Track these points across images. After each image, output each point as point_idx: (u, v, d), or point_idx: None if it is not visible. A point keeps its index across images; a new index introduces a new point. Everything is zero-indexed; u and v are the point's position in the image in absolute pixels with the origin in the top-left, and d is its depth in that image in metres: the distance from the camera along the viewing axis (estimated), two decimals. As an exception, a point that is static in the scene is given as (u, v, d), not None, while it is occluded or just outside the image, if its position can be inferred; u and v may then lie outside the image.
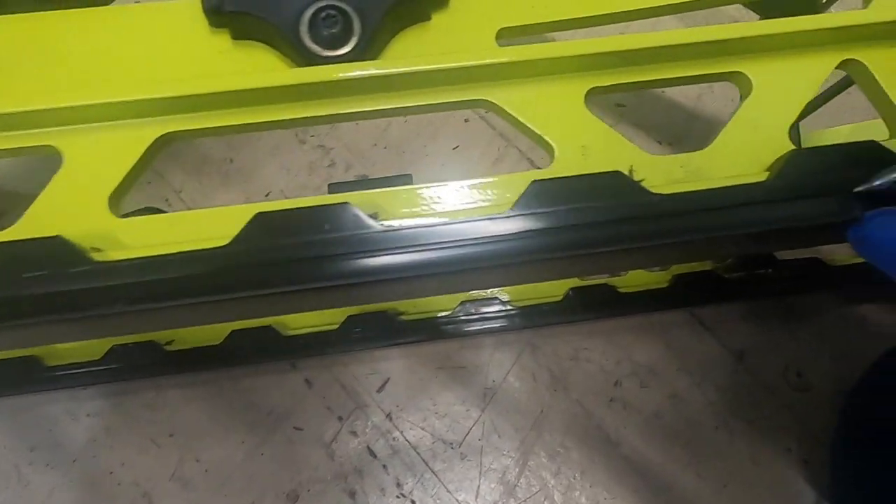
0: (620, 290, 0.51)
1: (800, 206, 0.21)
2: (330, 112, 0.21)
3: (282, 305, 0.22)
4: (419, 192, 0.21)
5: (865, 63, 0.23)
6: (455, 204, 0.21)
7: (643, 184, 0.21)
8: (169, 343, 0.48)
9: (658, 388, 0.52)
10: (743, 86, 0.23)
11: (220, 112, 0.21)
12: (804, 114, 0.41)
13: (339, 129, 0.60)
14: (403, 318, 0.49)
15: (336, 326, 0.48)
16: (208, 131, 0.21)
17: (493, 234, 0.19)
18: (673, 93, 0.63)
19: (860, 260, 0.53)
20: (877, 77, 0.23)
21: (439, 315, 0.49)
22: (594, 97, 0.23)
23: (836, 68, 0.24)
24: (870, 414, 0.44)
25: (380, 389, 0.51)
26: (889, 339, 0.49)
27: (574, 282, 0.51)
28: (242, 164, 0.59)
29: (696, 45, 0.23)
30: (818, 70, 0.23)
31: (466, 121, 0.61)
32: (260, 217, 0.19)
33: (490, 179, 0.22)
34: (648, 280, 0.51)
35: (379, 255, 0.19)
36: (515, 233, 0.19)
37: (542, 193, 0.20)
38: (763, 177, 0.21)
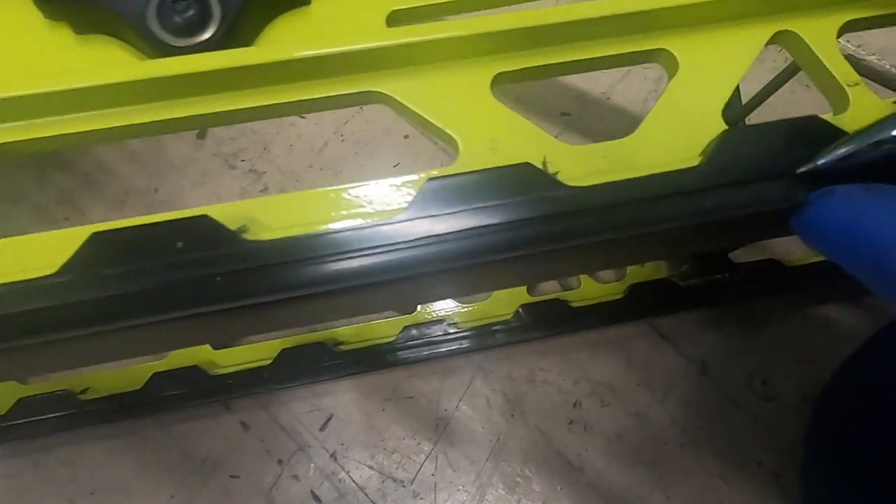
0: (573, 304, 0.48)
1: (735, 192, 0.18)
2: (191, 113, 0.18)
3: (134, 343, 0.19)
4: (299, 200, 0.18)
5: (800, 34, 0.21)
6: (340, 212, 0.18)
7: (558, 176, 0.18)
8: (84, 392, 0.43)
9: (619, 407, 0.49)
10: (669, 65, 0.21)
11: (59, 118, 0.18)
12: (755, 103, 0.39)
13: (272, 153, 0.57)
14: (343, 347, 0.46)
15: (269, 361, 0.45)
16: (45, 142, 0.18)
17: (376, 244, 0.16)
18: (619, 98, 0.61)
19: (818, 258, 0.51)
20: (813, 48, 0.21)
21: (382, 342, 0.46)
22: (501, 85, 0.20)
23: (769, 42, 0.21)
24: (838, 421, 0.42)
25: (322, 427, 0.48)
26: (853, 340, 0.47)
27: (524, 298, 0.48)
28: (168, 193, 0.55)
29: (616, 19, 0.20)
30: (751, 44, 0.21)
31: (406, 137, 0.58)
32: (96, 238, 0.16)
33: (386, 181, 0.18)
34: (602, 292, 0.49)
35: (242, 275, 0.16)
36: (403, 241, 0.16)
37: (439, 193, 0.17)
38: (695, 162, 0.19)
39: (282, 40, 0.19)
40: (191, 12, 0.18)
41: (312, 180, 0.56)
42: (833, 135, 0.18)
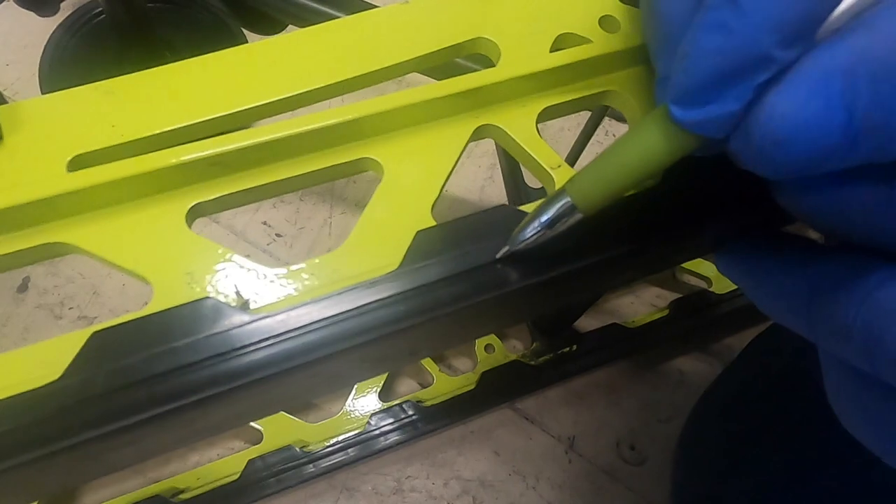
0: (427, 403, 0.47)
1: (434, 290, 0.18)
2: None
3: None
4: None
5: (501, 126, 0.22)
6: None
7: (248, 305, 0.17)
8: None
9: (492, 502, 0.47)
10: (377, 171, 0.21)
11: None
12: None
13: (102, 295, 0.54)
14: (184, 496, 0.42)
15: (100, 529, 0.40)
16: None
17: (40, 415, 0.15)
18: (456, 189, 0.62)
19: (659, 315, 0.52)
20: (515, 137, 0.22)
21: (227, 482, 0.43)
22: (200, 217, 0.20)
23: (474, 137, 0.22)
24: (695, 475, 0.42)
25: (174, 590, 0.43)
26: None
27: (375, 406, 0.46)
28: (-16, 357, 0.50)
29: (317, 133, 0.20)
30: (455, 141, 0.21)
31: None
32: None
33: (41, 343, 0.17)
34: (455, 385, 0.48)
35: None
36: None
37: (101, 351, 0.16)
38: (395, 266, 0.18)
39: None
40: None
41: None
42: (519, 218, 0.19)
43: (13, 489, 0.16)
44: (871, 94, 0.13)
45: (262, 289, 0.18)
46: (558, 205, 0.17)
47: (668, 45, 0.16)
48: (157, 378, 0.16)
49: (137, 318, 0.17)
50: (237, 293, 0.18)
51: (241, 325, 0.17)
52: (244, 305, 0.17)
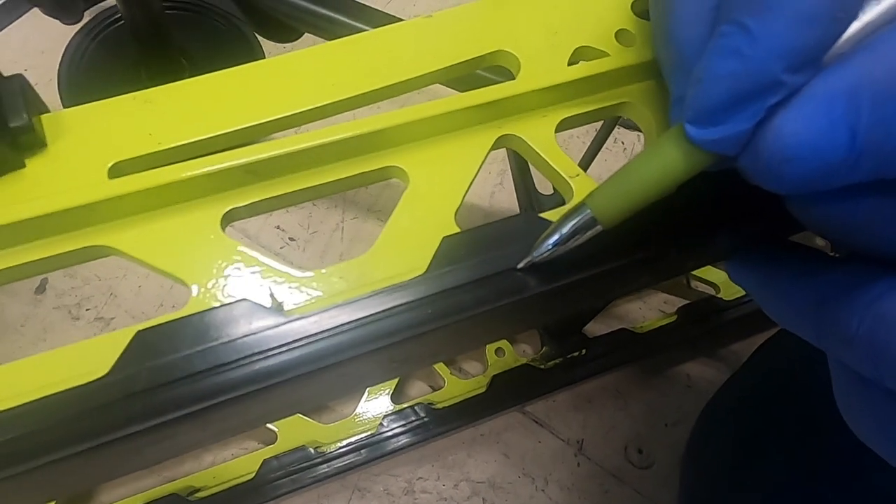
0: (438, 406, 0.47)
1: (456, 296, 0.18)
2: None
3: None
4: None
5: (521, 136, 0.23)
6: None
7: (283, 307, 0.18)
8: None
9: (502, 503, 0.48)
10: (402, 179, 0.22)
11: None
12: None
13: (119, 297, 0.55)
14: (200, 495, 0.43)
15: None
16: None
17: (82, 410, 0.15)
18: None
19: (667, 320, 0.53)
20: (535, 147, 0.22)
21: (243, 481, 0.43)
22: (236, 221, 0.21)
23: (495, 147, 0.23)
24: (703, 478, 0.42)
25: (189, 587, 0.43)
26: (714, 392, 0.49)
27: (388, 408, 0.47)
28: (3, 357, 0.51)
29: (345, 143, 0.21)
30: (476, 150, 0.22)
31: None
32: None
33: (87, 341, 0.18)
34: (466, 388, 0.48)
35: None
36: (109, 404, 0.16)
37: (144, 349, 0.17)
38: (421, 271, 0.19)
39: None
40: None
41: (164, 319, 0.54)
42: (542, 228, 0.19)
43: (60, 481, 0.17)
44: (873, 115, 0.14)
45: (294, 292, 0.19)
46: (579, 217, 0.18)
47: (683, 67, 0.17)
48: (197, 376, 0.17)
49: (178, 319, 0.18)
50: (271, 295, 0.18)
51: (275, 326, 0.18)
52: (278, 307, 0.18)
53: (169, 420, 0.17)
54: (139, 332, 0.17)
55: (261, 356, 0.17)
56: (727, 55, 0.15)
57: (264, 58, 0.24)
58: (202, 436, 0.19)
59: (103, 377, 0.16)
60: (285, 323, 0.18)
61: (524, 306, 0.20)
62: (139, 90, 0.22)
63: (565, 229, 0.18)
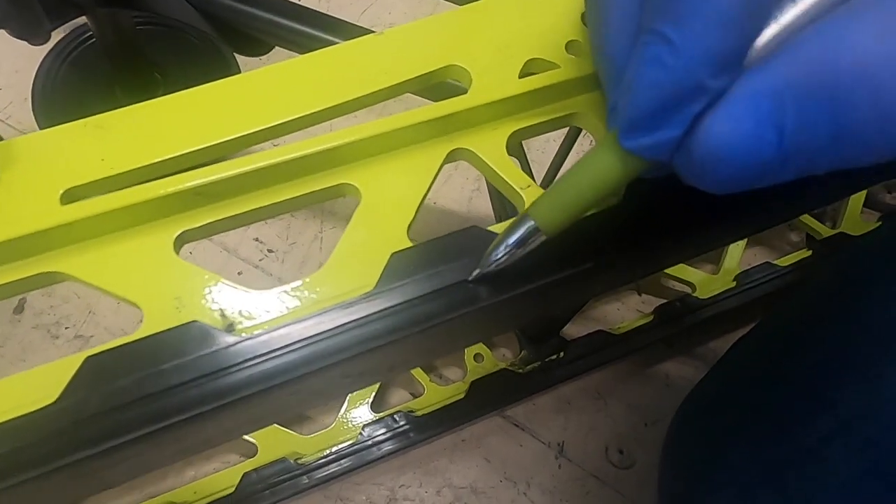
0: (418, 413, 0.48)
1: (404, 311, 0.19)
2: None
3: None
4: None
5: (472, 149, 0.23)
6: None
7: (234, 327, 0.18)
8: None
9: (485, 509, 0.48)
10: (355, 195, 0.22)
11: None
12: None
13: (97, 315, 0.55)
14: (182, 510, 0.43)
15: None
16: None
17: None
18: (445, 200, 0.63)
19: (644, 320, 0.53)
20: (486, 160, 0.23)
21: (223, 495, 0.44)
22: (188, 243, 0.21)
23: (447, 161, 0.23)
24: (679, 476, 0.43)
25: None
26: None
27: (367, 417, 0.47)
28: (-18, 378, 0.51)
29: (294, 163, 0.21)
30: (428, 165, 0.23)
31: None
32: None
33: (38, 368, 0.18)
34: (445, 395, 0.49)
35: None
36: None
37: (95, 374, 0.17)
38: (370, 288, 0.19)
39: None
40: None
41: (144, 335, 0.54)
42: (492, 240, 0.20)
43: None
44: (798, 114, 0.14)
45: (246, 311, 0.19)
46: (523, 228, 0.18)
47: (615, 77, 0.18)
48: (147, 398, 0.17)
49: (128, 343, 0.18)
50: (222, 316, 0.19)
51: (226, 347, 0.18)
52: (229, 328, 0.18)
53: (120, 443, 0.17)
54: (88, 357, 0.17)
55: (212, 377, 0.18)
56: (649, 64, 0.15)
57: (239, 70, 0.24)
58: (159, 456, 0.19)
59: (52, 404, 0.17)
60: (236, 343, 0.18)
61: (474, 318, 0.20)
62: (114, 108, 0.22)
63: (511, 240, 0.18)
